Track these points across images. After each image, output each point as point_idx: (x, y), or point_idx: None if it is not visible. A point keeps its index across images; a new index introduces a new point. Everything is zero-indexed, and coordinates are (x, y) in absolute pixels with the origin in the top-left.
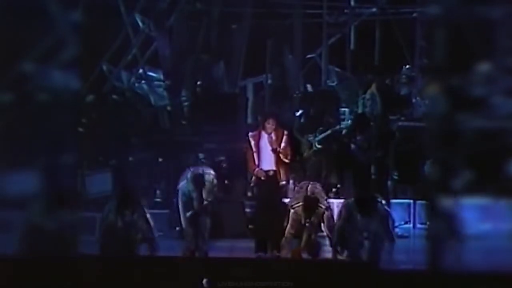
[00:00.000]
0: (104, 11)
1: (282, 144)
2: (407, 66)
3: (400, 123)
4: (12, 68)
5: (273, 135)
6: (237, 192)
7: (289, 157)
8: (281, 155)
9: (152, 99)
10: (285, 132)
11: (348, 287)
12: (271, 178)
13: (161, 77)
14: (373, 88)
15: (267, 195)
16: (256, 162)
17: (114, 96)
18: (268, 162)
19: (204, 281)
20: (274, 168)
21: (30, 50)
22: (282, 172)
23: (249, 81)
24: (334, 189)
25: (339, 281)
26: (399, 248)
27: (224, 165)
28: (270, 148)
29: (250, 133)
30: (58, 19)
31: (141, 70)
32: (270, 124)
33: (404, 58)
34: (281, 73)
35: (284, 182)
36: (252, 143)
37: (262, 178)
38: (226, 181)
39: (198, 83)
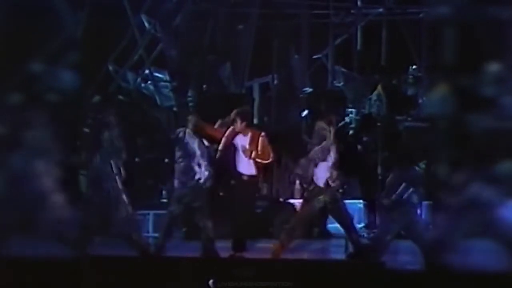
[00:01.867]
0: (110, 12)
1: (259, 147)
2: (414, 66)
3: (406, 124)
4: (18, 69)
5: (248, 137)
6: None
7: (268, 159)
8: (258, 159)
9: (158, 99)
10: (262, 134)
11: (348, 287)
12: (249, 183)
13: (167, 77)
14: (380, 88)
15: (246, 197)
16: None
17: (120, 97)
18: (246, 166)
19: (211, 281)
20: (253, 172)
21: (36, 51)
22: (261, 175)
23: (255, 81)
24: (340, 190)
25: (339, 281)
26: (404, 249)
27: None
28: (245, 154)
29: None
30: (65, 20)
31: (147, 71)
32: (237, 123)
33: (410, 58)
34: (287, 73)
35: (265, 184)
36: (224, 142)
37: (239, 179)
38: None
39: (204, 84)
